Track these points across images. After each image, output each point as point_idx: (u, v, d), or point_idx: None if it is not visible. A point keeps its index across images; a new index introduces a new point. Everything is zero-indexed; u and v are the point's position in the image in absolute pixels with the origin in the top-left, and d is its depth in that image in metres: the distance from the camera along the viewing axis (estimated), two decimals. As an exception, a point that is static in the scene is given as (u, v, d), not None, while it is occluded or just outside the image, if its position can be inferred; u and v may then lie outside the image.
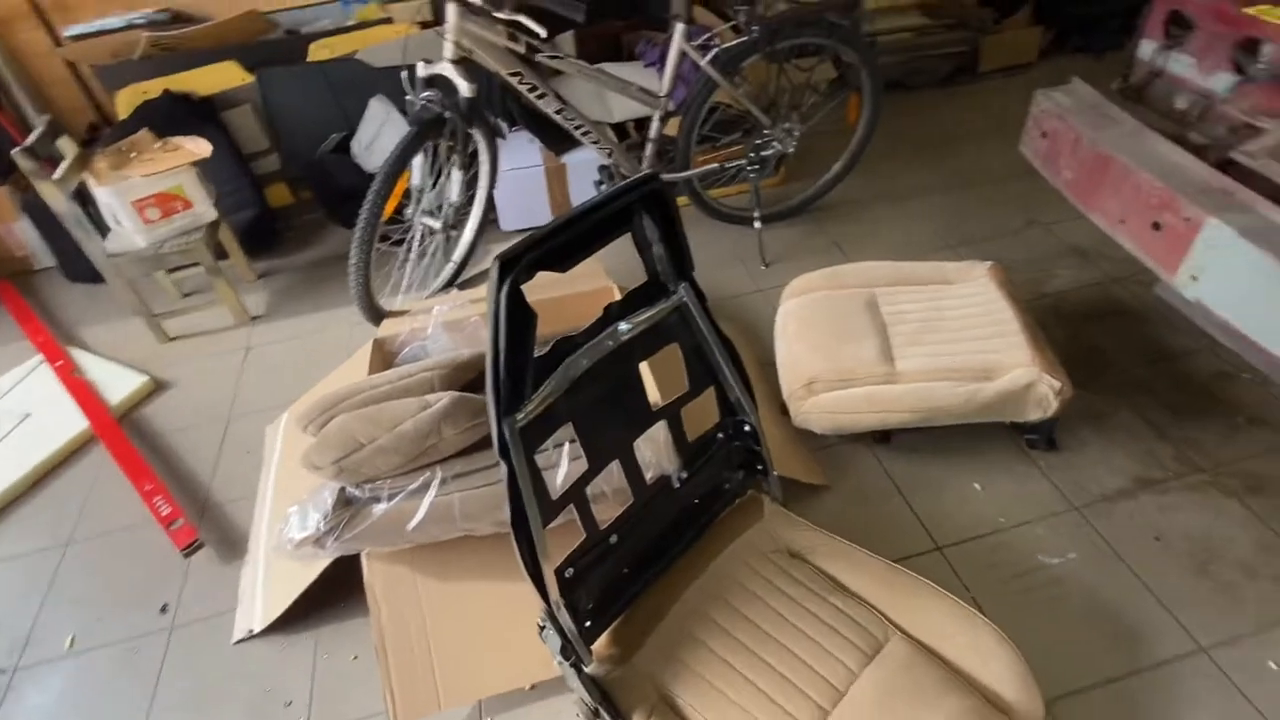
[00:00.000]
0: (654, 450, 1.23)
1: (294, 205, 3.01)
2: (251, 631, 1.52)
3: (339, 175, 2.68)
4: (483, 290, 2.07)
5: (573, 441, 1.26)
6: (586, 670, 1.14)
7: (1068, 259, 2.34)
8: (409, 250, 2.29)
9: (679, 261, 1.07)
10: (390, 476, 1.26)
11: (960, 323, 1.79)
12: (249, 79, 2.72)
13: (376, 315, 2.12)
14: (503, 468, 0.96)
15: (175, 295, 2.62)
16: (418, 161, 2.06)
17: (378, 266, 2.09)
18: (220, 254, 2.50)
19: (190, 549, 1.69)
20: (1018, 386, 1.61)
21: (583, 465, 1.14)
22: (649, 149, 2.28)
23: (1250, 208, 1.32)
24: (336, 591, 1.52)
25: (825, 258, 2.46)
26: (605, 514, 1.20)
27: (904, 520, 1.64)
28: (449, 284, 2.48)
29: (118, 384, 2.22)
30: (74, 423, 2.08)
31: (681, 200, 2.62)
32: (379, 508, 1.24)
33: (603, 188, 2.36)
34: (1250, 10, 1.58)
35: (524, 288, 0.88)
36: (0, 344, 2.51)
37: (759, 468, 1.39)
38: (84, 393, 2.18)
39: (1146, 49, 1.81)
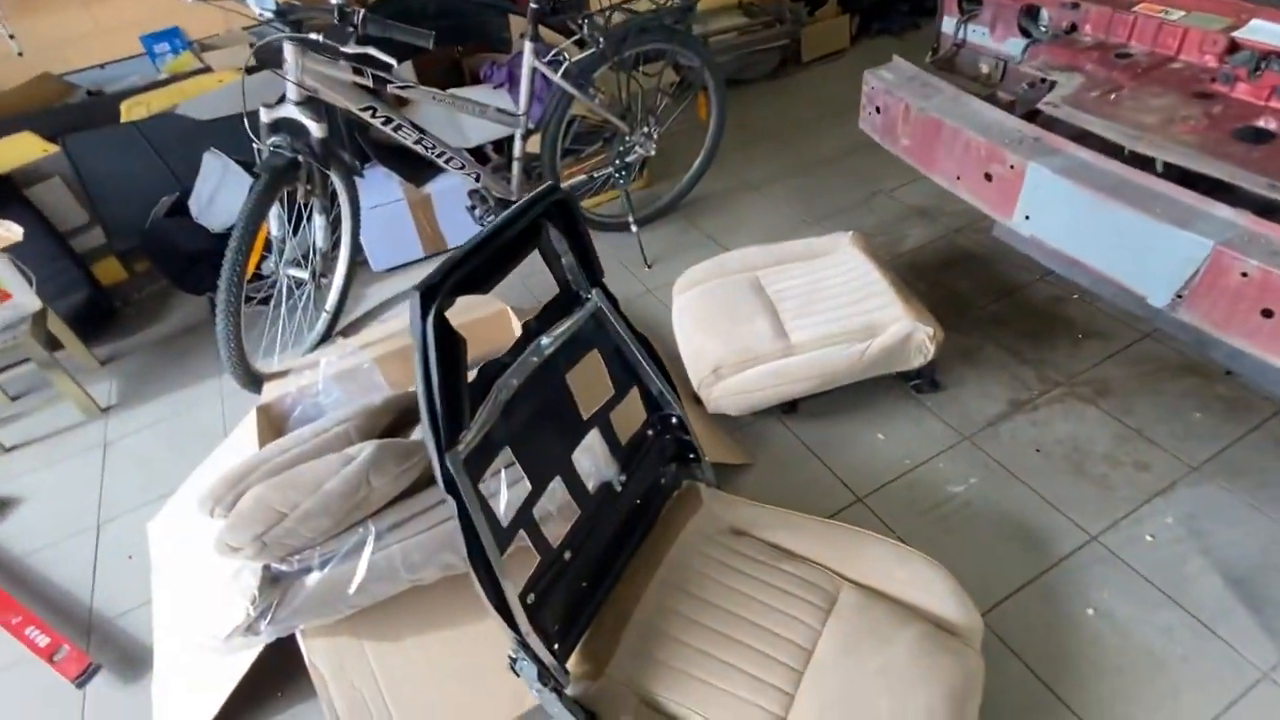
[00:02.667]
0: (592, 459, 1.24)
1: (129, 280, 2.73)
2: (179, 748, 1.36)
3: (180, 239, 2.46)
4: (370, 335, 1.98)
5: (509, 466, 1.24)
6: (566, 692, 1.13)
7: (913, 219, 2.58)
8: (277, 306, 2.15)
9: (589, 268, 1.09)
10: (319, 543, 1.18)
11: (837, 290, 1.93)
12: (53, 149, 2.43)
13: (255, 381, 1.97)
14: (451, 504, 0.94)
15: (3, 400, 2.30)
16: (274, 211, 1.94)
17: (246, 329, 1.95)
18: (53, 345, 2.22)
19: (84, 677, 1.50)
20: (898, 339, 1.75)
21: (522, 490, 1.13)
22: (515, 168, 2.28)
23: (1059, 150, 1.51)
24: (273, 682, 1.40)
25: (702, 251, 2.55)
26: (554, 532, 1.19)
27: (824, 480, 1.74)
28: (325, 335, 2.34)
29: (-51, 513, 1.93)
30: (-100, 568, 1.78)
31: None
32: (312, 578, 1.16)
33: (476, 212, 2.33)
34: (1025, -17, 1.81)
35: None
36: None
37: (690, 456, 1.43)
38: (-94, 531, 1.87)
39: (948, 24, 2.04)
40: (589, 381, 1.30)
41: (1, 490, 2.02)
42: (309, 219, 2.08)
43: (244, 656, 1.22)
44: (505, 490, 1.20)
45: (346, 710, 1.27)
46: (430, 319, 0.81)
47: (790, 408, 1.90)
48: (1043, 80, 1.73)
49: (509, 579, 1.02)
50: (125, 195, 2.58)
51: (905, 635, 1.19)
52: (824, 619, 1.23)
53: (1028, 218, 1.58)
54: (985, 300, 2.18)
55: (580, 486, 1.21)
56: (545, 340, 1.08)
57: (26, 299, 2.07)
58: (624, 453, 1.29)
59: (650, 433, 1.35)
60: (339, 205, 2.22)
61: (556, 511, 1.26)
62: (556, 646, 1.16)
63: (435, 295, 0.81)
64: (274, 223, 1.97)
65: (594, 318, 1.15)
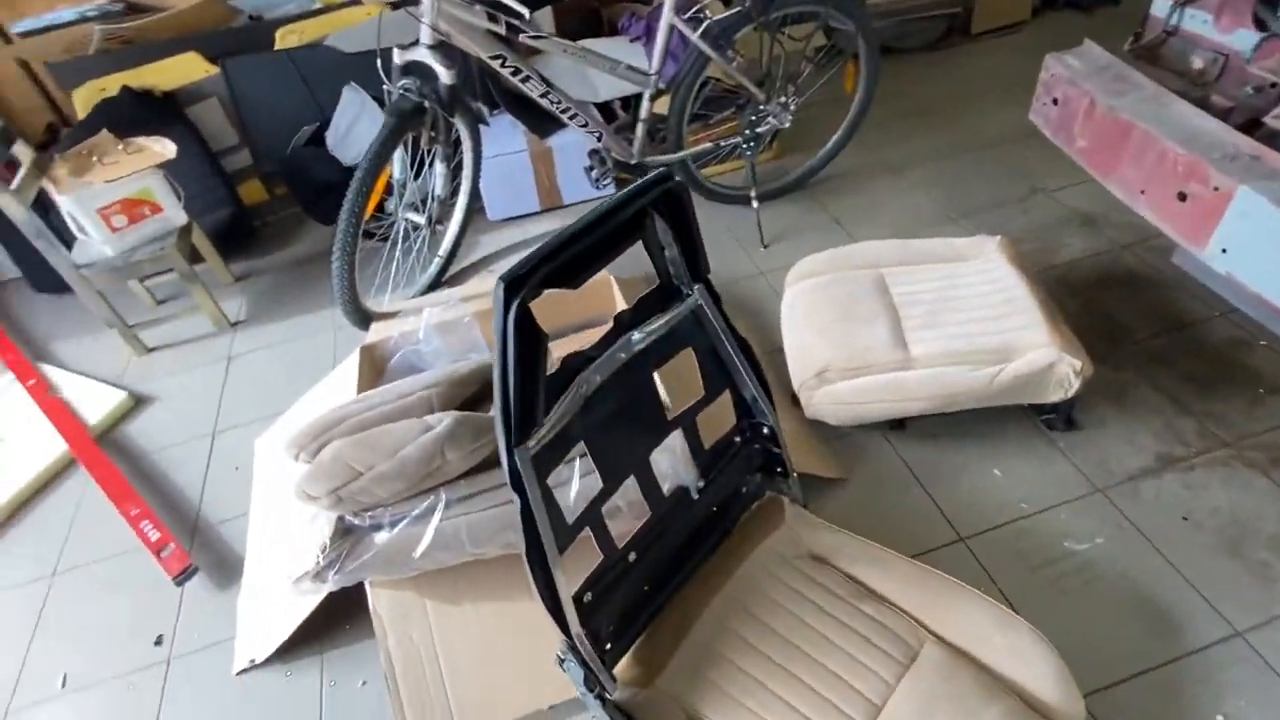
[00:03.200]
0: (671, 460, 1.16)
1: (269, 202, 2.89)
2: (254, 661, 1.45)
3: (314, 170, 2.55)
4: (474, 288, 1.98)
5: (584, 456, 1.19)
6: (611, 698, 1.09)
7: (1075, 226, 2.28)
8: (393, 247, 2.19)
9: (694, 263, 0.99)
10: (391, 503, 1.19)
11: (974, 302, 1.73)
12: (213, 70, 2.57)
13: (364, 319, 2.03)
14: (515, 500, 0.89)
15: (150, 303, 2.51)
16: (398, 154, 1.95)
17: (361, 267, 1.99)
18: (195, 258, 2.38)
19: (183, 576, 1.62)
20: (1038, 368, 1.55)
21: (594, 481, 1.07)
22: (639, 130, 2.18)
23: (1284, 174, 1.25)
24: (343, 614, 1.46)
25: (826, 235, 2.38)
26: (620, 529, 1.14)
27: (924, 511, 1.59)
28: (436, 280, 2.38)
29: (95, 402, 2.13)
30: (52, 445, 1.98)
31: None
32: (381, 536, 1.17)
33: (593, 173, 2.27)
34: (1272, -39, 1.50)
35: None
36: (-32, 363, 2.40)
37: (778, 469, 1.33)
38: (60, 413, 2.08)
39: (1160, 6, 1.73)
40: (678, 378, 1.23)
41: (141, 388, 2.21)
42: (430, 165, 2.08)
43: (311, 599, 1.26)
44: (577, 480, 1.15)
45: (401, 660, 1.30)
46: (513, 313, 0.74)
47: (898, 424, 1.74)
48: (1273, 85, 1.44)
49: (565, 578, 0.97)
50: (273, 120, 2.70)
51: (992, 711, 1.06)
52: (900, 674, 1.12)
53: (1224, 251, 1.33)
54: (1146, 332, 1.90)
55: (655, 488, 1.14)
56: (636, 335, 1.00)
57: (175, 213, 2.21)
58: (706, 457, 1.21)
59: (738, 439, 1.26)
60: (461, 152, 2.21)
61: (626, 507, 1.21)
62: (609, 647, 1.12)
63: (520, 288, 0.75)
64: (396, 165, 1.99)
65: (693, 315, 1.06)
